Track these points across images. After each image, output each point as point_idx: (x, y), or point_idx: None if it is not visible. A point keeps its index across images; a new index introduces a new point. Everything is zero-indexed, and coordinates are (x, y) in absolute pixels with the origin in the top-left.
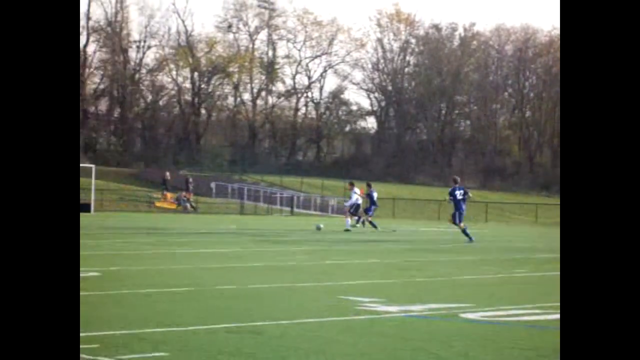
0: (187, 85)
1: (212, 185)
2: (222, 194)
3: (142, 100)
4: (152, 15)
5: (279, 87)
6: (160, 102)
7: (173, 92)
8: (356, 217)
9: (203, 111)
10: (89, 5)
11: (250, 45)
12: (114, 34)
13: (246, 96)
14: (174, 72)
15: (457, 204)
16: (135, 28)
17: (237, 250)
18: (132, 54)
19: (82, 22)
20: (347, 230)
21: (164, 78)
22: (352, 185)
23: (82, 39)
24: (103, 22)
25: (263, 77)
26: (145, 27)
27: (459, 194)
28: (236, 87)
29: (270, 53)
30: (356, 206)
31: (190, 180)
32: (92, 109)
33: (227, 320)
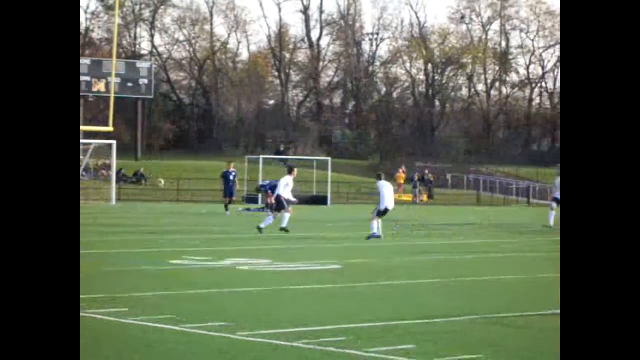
0: (421, 77)
1: (448, 176)
2: (459, 185)
3: (376, 93)
4: (385, 8)
5: (513, 77)
6: (395, 95)
7: (407, 84)
8: None
9: (437, 103)
10: None
11: (484, 36)
12: (347, 26)
13: (480, 87)
14: (407, 64)
15: None
16: (368, 20)
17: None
18: (366, 46)
19: (316, 16)
20: None
21: (397, 70)
22: None
23: (316, 32)
24: (336, 15)
25: (497, 68)
26: (379, 19)
27: None
28: (470, 78)
29: (504, 44)
30: None
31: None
32: (326, 102)
33: None
